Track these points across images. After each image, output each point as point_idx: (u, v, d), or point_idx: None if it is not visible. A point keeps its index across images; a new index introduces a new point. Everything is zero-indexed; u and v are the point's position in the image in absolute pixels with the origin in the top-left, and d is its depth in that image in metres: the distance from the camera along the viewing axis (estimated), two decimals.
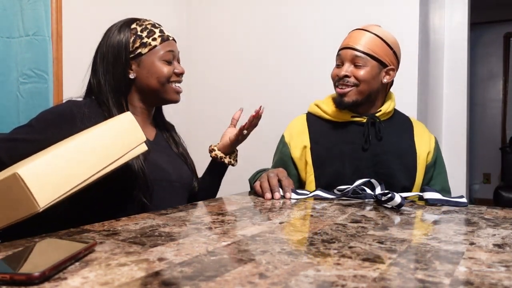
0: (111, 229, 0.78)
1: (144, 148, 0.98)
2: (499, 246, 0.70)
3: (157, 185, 1.11)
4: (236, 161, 1.33)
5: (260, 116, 1.25)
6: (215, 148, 1.30)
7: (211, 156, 1.31)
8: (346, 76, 1.31)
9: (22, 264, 0.54)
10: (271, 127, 2.23)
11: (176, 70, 1.18)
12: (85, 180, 0.82)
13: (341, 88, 1.33)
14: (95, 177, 0.84)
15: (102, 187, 0.92)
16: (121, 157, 0.90)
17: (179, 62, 1.21)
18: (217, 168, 1.32)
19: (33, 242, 0.67)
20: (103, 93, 1.13)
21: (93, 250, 0.63)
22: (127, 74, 1.15)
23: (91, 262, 0.58)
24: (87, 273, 0.53)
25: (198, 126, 2.44)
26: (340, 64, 1.35)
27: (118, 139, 0.91)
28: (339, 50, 1.36)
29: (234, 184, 1.74)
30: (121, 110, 1.11)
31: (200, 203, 1.12)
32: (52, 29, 1.68)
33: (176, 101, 1.21)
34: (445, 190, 1.39)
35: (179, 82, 1.20)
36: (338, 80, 1.34)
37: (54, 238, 0.70)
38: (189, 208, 1.02)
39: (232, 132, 1.29)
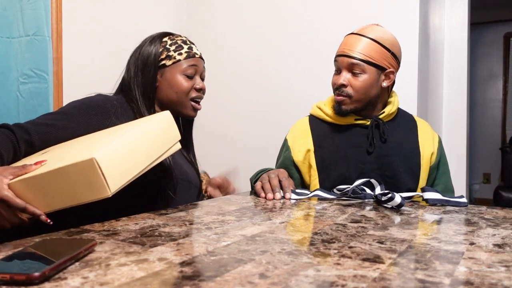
0: (111, 229, 0.78)
1: (179, 146, 1.04)
2: (499, 246, 0.70)
3: (179, 184, 1.15)
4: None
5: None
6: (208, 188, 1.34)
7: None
8: (343, 85, 1.30)
9: (22, 264, 0.54)
10: (272, 128, 2.23)
11: (196, 86, 1.20)
12: (143, 169, 0.87)
13: (338, 96, 1.32)
14: (149, 167, 0.89)
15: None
16: (166, 151, 0.97)
17: (203, 80, 1.24)
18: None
19: (33, 242, 0.67)
20: (133, 90, 1.18)
21: (93, 250, 0.63)
22: (155, 81, 1.19)
23: (91, 262, 0.58)
24: (87, 273, 0.53)
25: (197, 128, 2.44)
26: (338, 70, 1.34)
27: (163, 134, 0.97)
28: (336, 56, 1.34)
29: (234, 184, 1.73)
30: (149, 109, 1.17)
31: (200, 203, 1.12)
32: (52, 29, 1.68)
33: (191, 117, 1.24)
34: (448, 189, 1.38)
35: (199, 98, 1.23)
36: (336, 89, 1.32)
37: (54, 238, 0.71)
38: (189, 208, 1.02)
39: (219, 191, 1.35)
